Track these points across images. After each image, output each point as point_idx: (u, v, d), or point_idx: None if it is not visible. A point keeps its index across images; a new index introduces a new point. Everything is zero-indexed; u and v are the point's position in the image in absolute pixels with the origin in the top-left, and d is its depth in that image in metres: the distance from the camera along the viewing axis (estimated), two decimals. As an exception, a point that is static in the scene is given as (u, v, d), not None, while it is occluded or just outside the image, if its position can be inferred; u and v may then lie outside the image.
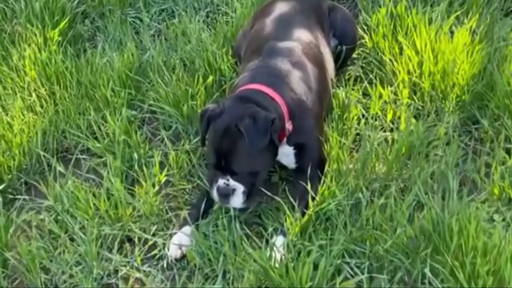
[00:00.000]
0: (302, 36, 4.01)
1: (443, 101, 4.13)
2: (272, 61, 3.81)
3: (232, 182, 3.52)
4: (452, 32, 4.41)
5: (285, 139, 3.65)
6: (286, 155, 3.73)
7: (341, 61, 4.38)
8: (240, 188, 3.52)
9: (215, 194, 3.57)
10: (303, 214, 3.53)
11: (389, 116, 4.09)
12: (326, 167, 3.74)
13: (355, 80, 4.35)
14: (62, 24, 5.12)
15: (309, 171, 3.67)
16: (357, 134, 4.10)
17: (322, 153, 3.78)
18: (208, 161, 3.71)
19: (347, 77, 4.44)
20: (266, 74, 3.76)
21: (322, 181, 3.65)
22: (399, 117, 4.07)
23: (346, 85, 4.30)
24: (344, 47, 4.35)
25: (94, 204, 3.83)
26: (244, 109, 3.49)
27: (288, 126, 3.62)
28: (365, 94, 4.29)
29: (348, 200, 3.52)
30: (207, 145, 3.66)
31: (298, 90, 3.74)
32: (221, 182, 3.53)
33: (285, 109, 3.61)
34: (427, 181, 3.65)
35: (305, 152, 3.74)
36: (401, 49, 4.40)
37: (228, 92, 4.12)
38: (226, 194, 3.52)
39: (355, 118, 4.11)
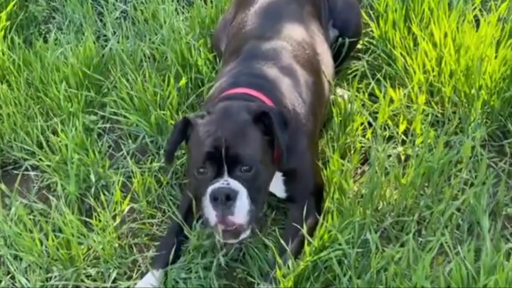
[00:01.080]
0: (292, 33, 3.24)
1: (467, 107, 3.38)
2: (253, 66, 3.06)
3: (233, 183, 2.66)
4: (477, 21, 3.63)
5: None
6: (274, 182, 2.98)
7: (343, 55, 3.60)
8: (243, 191, 2.67)
9: (210, 208, 2.67)
10: (296, 256, 2.85)
11: (402, 127, 3.34)
12: (327, 198, 3.01)
13: (360, 77, 3.57)
14: (12, 4, 4.32)
15: (302, 202, 2.97)
16: (362, 147, 3.37)
17: (318, 178, 3.07)
18: (193, 164, 2.78)
19: (349, 75, 3.68)
20: (250, 76, 3.01)
21: (319, 213, 2.99)
22: (414, 128, 3.31)
23: (348, 85, 3.55)
24: (346, 39, 3.57)
25: (40, 240, 3.10)
26: (246, 105, 2.78)
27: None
28: (372, 95, 3.54)
29: (354, 244, 2.81)
30: (194, 147, 2.81)
31: (289, 99, 3.00)
32: (217, 184, 2.66)
33: None
34: (452, 213, 2.94)
35: (296, 180, 3.01)
36: (414, 39, 3.62)
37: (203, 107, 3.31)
38: (228, 196, 2.62)
39: (360, 128, 3.37)
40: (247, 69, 3.05)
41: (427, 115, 3.39)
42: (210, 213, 2.69)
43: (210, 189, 2.66)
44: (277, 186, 3.03)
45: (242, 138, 2.70)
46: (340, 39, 3.59)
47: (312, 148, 3.05)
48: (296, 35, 3.23)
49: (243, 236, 2.75)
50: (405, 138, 3.34)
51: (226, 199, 2.63)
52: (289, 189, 3.03)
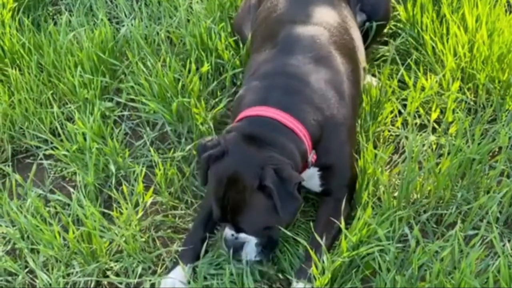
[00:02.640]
0: (328, 18, 3.09)
1: (502, 94, 3.26)
2: (290, 62, 2.88)
3: (242, 235, 2.71)
4: (509, 5, 3.51)
5: None
6: (309, 177, 2.88)
7: (370, 39, 3.46)
8: (252, 240, 2.72)
9: (223, 246, 2.79)
10: (329, 248, 2.76)
11: (434, 115, 3.22)
12: (361, 190, 2.90)
13: (385, 62, 3.44)
14: (19, -16, 4.15)
15: (336, 195, 2.89)
16: (391, 135, 3.26)
17: (353, 170, 2.95)
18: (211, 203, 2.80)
19: (377, 60, 3.54)
20: (281, 89, 2.81)
21: (351, 205, 2.94)
22: (447, 117, 3.19)
23: (379, 72, 3.42)
24: (374, 24, 3.43)
25: (59, 233, 2.97)
26: (260, 157, 2.61)
27: (312, 158, 2.78)
28: (400, 81, 3.40)
29: (392, 238, 2.70)
30: (209, 191, 2.90)
31: (325, 102, 2.83)
32: (228, 233, 2.74)
33: (307, 139, 2.74)
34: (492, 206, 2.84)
35: (333, 174, 2.90)
36: (443, 22, 3.49)
37: (232, 108, 3.13)
38: (236, 248, 2.72)
39: (390, 116, 3.25)
40: (281, 77, 2.84)
41: (459, 103, 3.27)
42: (223, 246, 2.80)
43: (224, 231, 2.77)
44: (313, 181, 2.93)
45: (248, 214, 2.64)
46: (367, 24, 3.44)
47: (350, 141, 2.93)
48: (332, 19, 3.09)
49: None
50: (436, 126, 3.23)
51: (235, 250, 2.73)
52: (325, 183, 2.92)
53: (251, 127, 2.69)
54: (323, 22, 3.04)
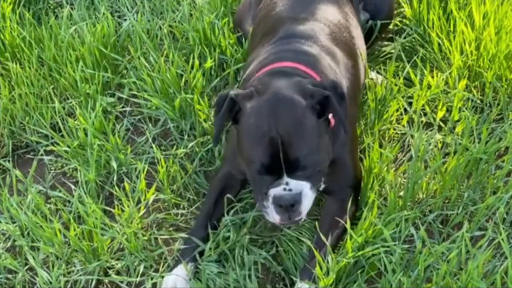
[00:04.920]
0: (328, 15, 3.04)
1: (509, 93, 3.23)
2: (293, 43, 2.84)
3: (295, 185, 2.49)
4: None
5: None
6: None
7: (373, 38, 3.42)
8: (306, 186, 2.50)
9: (274, 213, 2.53)
10: (334, 248, 2.71)
11: (440, 114, 3.18)
12: (366, 190, 2.86)
13: (390, 59, 3.40)
14: (19, -23, 4.10)
15: (340, 195, 2.84)
16: (396, 133, 3.22)
17: (358, 170, 2.89)
18: (247, 162, 2.56)
19: (381, 57, 3.50)
20: (293, 52, 2.77)
21: (357, 206, 2.86)
22: (453, 115, 3.15)
23: (383, 69, 3.38)
24: (378, 22, 3.38)
25: (60, 230, 2.93)
26: (299, 84, 2.50)
27: (332, 118, 2.66)
28: (406, 78, 3.36)
29: (398, 239, 2.66)
30: (244, 145, 2.56)
31: (335, 78, 2.79)
32: (278, 189, 2.49)
33: None
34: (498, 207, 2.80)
35: (337, 170, 2.81)
36: (448, 18, 3.44)
37: (241, 76, 3.08)
38: (294, 203, 2.49)
39: (395, 114, 3.21)
40: (288, 46, 2.82)
41: (465, 101, 3.23)
42: (274, 216, 2.55)
43: (271, 193, 2.51)
44: None
45: (302, 138, 2.45)
46: (370, 21, 3.40)
47: (353, 135, 2.87)
48: (332, 17, 3.05)
49: (301, 220, 2.63)
50: (442, 125, 3.19)
51: (292, 206, 2.51)
52: (328, 180, 2.83)
53: (274, 69, 2.64)
54: (323, 19, 2.99)
